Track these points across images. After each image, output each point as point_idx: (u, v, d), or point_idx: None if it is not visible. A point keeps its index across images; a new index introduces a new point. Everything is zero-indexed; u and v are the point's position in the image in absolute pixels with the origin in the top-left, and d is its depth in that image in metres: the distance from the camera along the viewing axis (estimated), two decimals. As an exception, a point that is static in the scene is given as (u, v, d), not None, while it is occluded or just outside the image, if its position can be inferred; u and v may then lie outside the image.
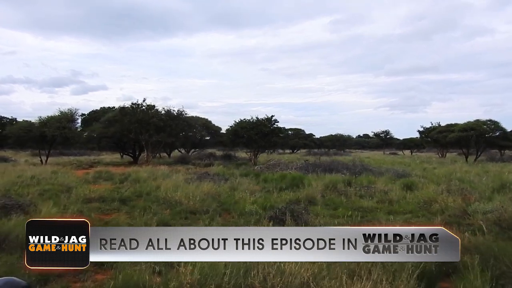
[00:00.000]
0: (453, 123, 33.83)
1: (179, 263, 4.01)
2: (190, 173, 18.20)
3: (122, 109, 25.27)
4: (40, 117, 24.25)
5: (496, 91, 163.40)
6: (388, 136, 64.93)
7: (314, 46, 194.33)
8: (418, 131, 44.65)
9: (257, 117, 26.39)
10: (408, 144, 59.53)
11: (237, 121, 27.32)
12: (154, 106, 25.69)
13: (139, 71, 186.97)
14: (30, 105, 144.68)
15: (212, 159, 29.06)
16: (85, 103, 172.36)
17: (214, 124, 40.79)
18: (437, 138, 34.34)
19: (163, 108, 26.69)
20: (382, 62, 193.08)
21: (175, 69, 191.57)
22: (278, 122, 26.65)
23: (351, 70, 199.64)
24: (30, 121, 26.33)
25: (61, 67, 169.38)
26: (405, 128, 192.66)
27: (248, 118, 26.73)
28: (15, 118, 53.82)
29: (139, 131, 24.11)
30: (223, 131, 41.23)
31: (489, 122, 30.59)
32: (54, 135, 22.49)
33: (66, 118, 23.92)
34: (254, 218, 8.12)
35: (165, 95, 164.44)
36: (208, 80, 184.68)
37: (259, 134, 25.41)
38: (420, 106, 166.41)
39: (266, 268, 4.05)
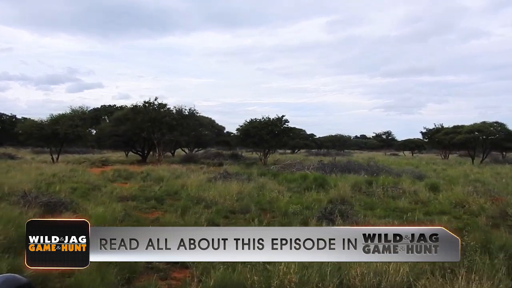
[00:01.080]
0: (459, 124, 34.25)
1: (279, 263, 4.08)
2: (207, 172, 18.21)
3: (135, 107, 25.20)
4: (52, 114, 24.22)
5: (491, 93, 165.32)
6: (389, 137, 65.32)
7: (311, 46, 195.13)
8: (421, 132, 45.12)
9: (268, 117, 26.61)
10: (408, 145, 59.89)
11: (248, 121, 27.47)
12: (165, 104, 25.79)
13: (136, 69, 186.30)
14: (25, 102, 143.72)
15: (221, 158, 29.12)
16: (80, 101, 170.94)
17: (217, 124, 41.04)
18: (441, 140, 34.65)
19: (174, 107, 26.85)
20: (378, 63, 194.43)
21: (172, 67, 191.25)
22: (288, 122, 26.87)
23: (347, 71, 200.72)
24: (29, 118, 26.39)
25: (57, 65, 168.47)
26: (401, 129, 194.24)
27: (259, 118, 26.90)
28: (15, 115, 53.51)
29: (151, 130, 24.10)
30: (225, 130, 41.73)
31: (495, 124, 30.98)
32: (67, 133, 22.41)
33: (78, 116, 23.82)
34: (299, 218, 8.18)
35: (161, 93, 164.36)
36: (205, 79, 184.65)
37: (270, 134, 25.55)
38: (415, 108, 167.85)
39: (359, 268, 4.16)
